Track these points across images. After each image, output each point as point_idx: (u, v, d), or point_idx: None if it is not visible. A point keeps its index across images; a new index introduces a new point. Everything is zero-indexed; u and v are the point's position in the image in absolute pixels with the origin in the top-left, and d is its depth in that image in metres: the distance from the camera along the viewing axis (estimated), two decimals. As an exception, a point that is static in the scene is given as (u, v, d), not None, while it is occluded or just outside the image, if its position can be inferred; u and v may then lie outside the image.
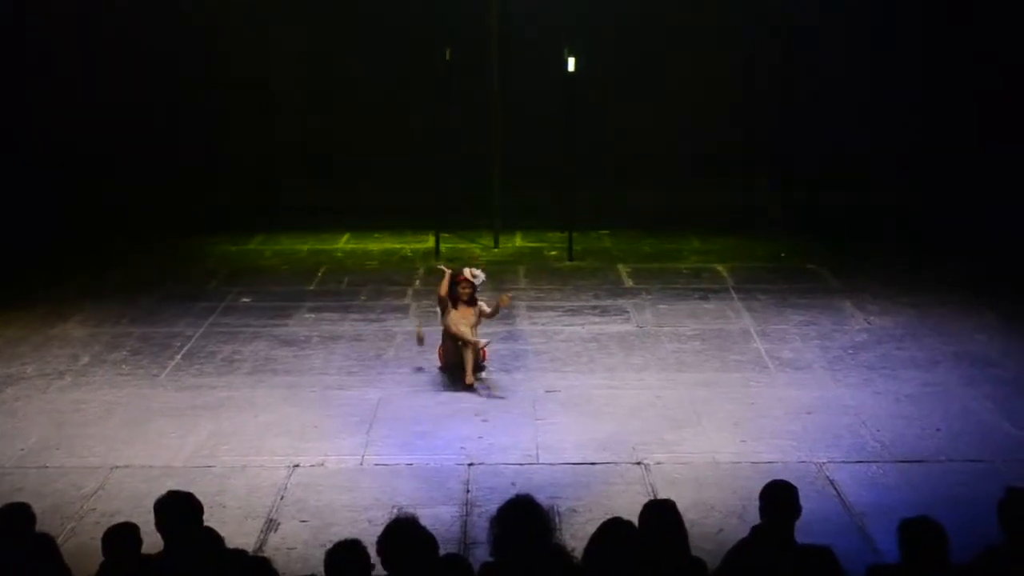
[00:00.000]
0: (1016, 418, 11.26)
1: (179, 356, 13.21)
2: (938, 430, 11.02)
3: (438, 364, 12.62)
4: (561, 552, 6.58)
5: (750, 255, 17.78)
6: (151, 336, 13.88)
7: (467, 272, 12.62)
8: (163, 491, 7.16)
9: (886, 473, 10.14)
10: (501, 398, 11.93)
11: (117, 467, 10.25)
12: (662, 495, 9.20)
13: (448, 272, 12.62)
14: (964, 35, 19.68)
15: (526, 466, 10.31)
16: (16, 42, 19.42)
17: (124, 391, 12.14)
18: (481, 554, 7.46)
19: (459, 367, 12.24)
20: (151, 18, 19.74)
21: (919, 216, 19.18)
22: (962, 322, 14.26)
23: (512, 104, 18.74)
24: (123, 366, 12.91)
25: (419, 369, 12.71)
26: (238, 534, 8.81)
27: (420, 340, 12.84)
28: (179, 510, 6.93)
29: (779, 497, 6.97)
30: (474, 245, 18.30)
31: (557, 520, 8.97)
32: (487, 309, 12.69)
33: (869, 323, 14.30)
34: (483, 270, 12.85)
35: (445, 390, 12.16)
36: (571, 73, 17.45)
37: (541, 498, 6.69)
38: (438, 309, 12.75)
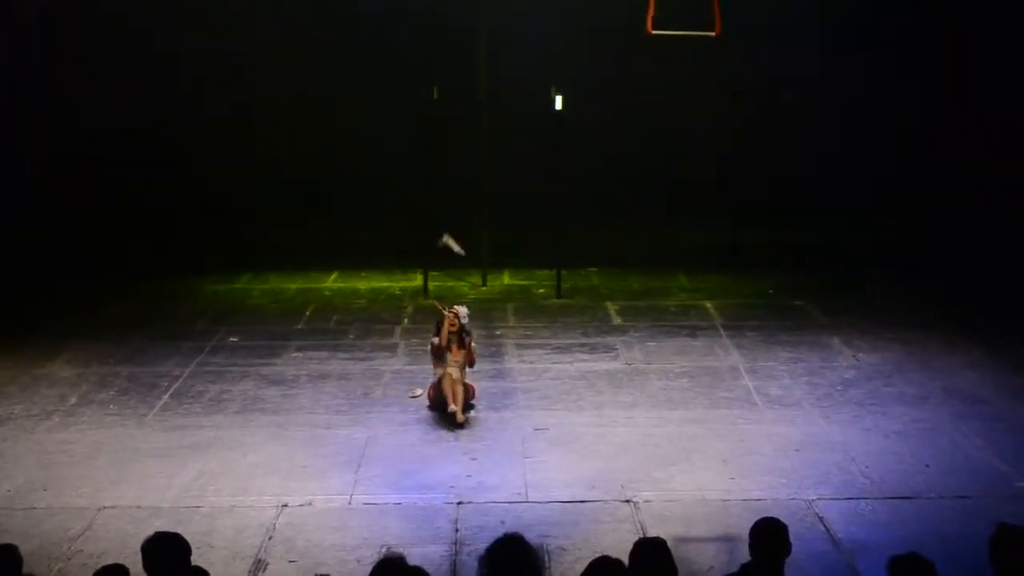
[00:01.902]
0: (1005, 454, 11.28)
1: (167, 396, 13.17)
2: (927, 466, 11.03)
3: (427, 403, 12.60)
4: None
5: (738, 292, 17.80)
6: (139, 376, 13.84)
7: (454, 310, 12.70)
8: (151, 532, 7.14)
9: (875, 510, 10.14)
10: (490, 436, 11.91)
11: (104, 508, 10.20)
12: (651, 533, 9.20)
13: (442, 309, 12.65)
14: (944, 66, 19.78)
15: (515, 504, 10.30)
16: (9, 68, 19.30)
17: (111, 431, 12.10)
18: (470, 593, 7.44)
19: (446, 406, 12.23)
20: (144, 57, 19.72)
21: (904, 251, 19.20)
22: (950, 358, 14.29)
23: (500, 142, 18.77)
24: (111, 406, 12.87)
25: (407, 408, 12.71)
26: (226, 575, 8.77)
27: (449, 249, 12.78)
28: (167, 551, 6.89)
29: (769, 535, 6.97)
30: (462, 283, 18.30)
31: (547, 559, 8.95)
32: (475, 347, 12.78)
33: (857, 359, 14.31)
34: (464, 306, 12.95)
35: (434, 428, 12.13)
36: (559, 111, 17.48)
37: (530, 536, 6.68)
38: (431, 359, 12.74)
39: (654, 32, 12.06)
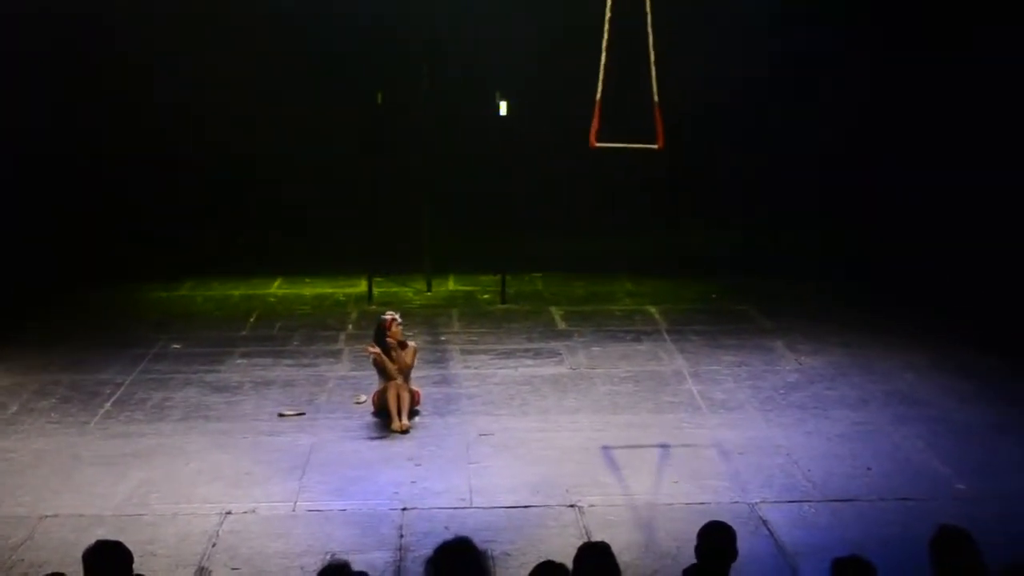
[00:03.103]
0: (945, 457, 11.38)
1: (109, 403, 13.08)
2: (869, 469, 11.12)
3: (371, 409, 12.58)
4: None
5: (682, 297, 17.88)
6: (81, 384, 13.73)
7: (388, 316, 12.71)
8: (92, 540, 7.07)
9: (818, 513, 10.20)
10: (434, 442, 11.90)
11: (46, 516, 10.12)
12: (596, 537, 9.19)
13: (375, 351, 12.63)
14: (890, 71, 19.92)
15: (459, 510, 10.30)
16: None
17: (53, 439, 12.00)
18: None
19: (391, 411, 12.22)
20: (80, 59, 19.49)
21: (847, 255, 19.30)
22: (891, 361, 14.40)
23: (445, 147, 18.76)
24: (52, 414, 12.77)
25: (351, 414, 12.69)
26: (169, 583, 8.73)
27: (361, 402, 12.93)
28: (108, 559, 6.83)
29: (717, 539, 7.00)
30: (407, 289, 18.29)
31: (492, 564, 8.95)
32: (413, 346, 12.82)
33: (800, 363, 14.40)
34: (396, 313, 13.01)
35: (378, 435, 12.11)
36: (504, 116, 17.50)
37: (475, 542, 6.67)
38: (378, 375, 12.71)
39: (597, 144, 12.18)
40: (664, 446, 11.73)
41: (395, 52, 19.32)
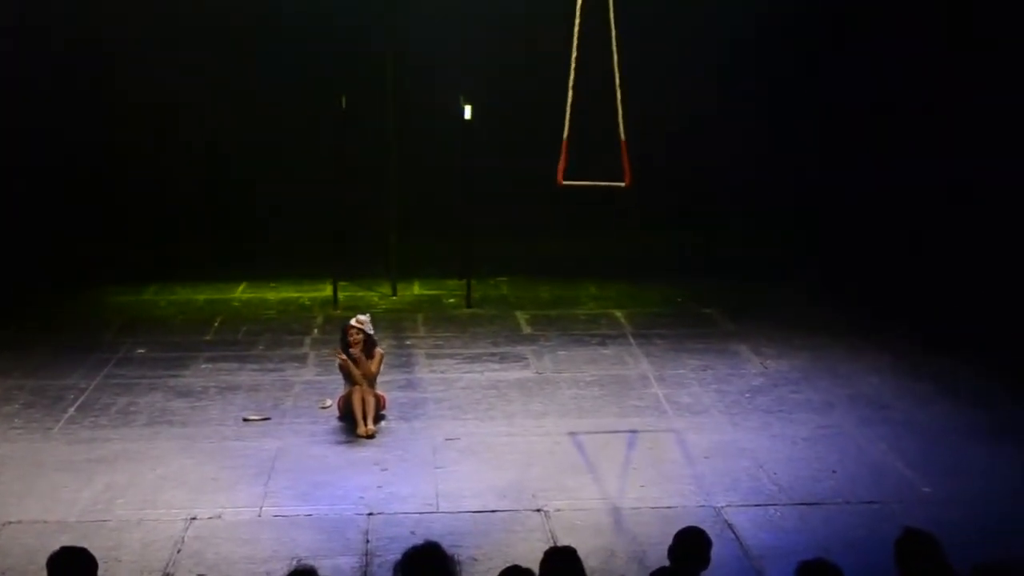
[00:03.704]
0: (910, 459, 11.44)
1: (73, 408, 13.00)
2: (834, 472, 11.17)
3: (337, 414, 12.55)
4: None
5: (647, 300, 17.89)
6: (44, 388, 13.65)
7: (354, 321, 12.69)
8: (56, 546, 7.02)
9: (784, 516, 10.24)
10: (400, 447, 11.89)
11: (10, 523, 10.06)
12: (562, 542, 9.20)
13: (342, 358, 12.61)
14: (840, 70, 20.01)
15: (426, 515, 10.29)
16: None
17: (17, 445, 11.93)
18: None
19: (356, 416, 12.20)
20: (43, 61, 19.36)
21: (811, 257, 19.35)
22: (856, 364, 14.47)
23: (409, 151, 18.72)
24: (15, 419, 12.69)
25: (317, 419, 12.67)
26: (134, 589, 8.69)
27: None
28: (73, 566, 6.80)
29: (693, 544, 7.05)
30: (372, 293, 18.25)
31: (459, 568, 8.93)
32: (380, 351, 12.80)
33: (765, 367, 14.45)
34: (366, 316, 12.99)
35: (344, 439, 12.09)
36: (468, 120, 17.49)
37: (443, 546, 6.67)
38: (344, 379, 12.69)
39: (564, 183, 12.27)
40: (630, 450, 11.76)
41: (359, 56, 19.25)
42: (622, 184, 12.34)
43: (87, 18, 19.38)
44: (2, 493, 10.68)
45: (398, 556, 6.47)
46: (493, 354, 15.12)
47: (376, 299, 17.94)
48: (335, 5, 19.13)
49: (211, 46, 19.63)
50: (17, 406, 13.10)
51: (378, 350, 12.82)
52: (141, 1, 19.59)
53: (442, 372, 14.34)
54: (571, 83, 12.05)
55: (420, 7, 19.14)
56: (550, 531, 9.91)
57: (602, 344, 15.50)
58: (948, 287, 17.04)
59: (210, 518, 10.17)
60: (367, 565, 9.33)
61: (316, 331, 16.23)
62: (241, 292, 18.55)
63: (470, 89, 17.78)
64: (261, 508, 10.41)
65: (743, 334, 15.85)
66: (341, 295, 17.79)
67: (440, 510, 10.38)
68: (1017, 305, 16.11)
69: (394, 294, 18.21)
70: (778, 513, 10.29)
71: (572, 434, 12.19)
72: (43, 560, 6.91)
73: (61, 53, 19.45)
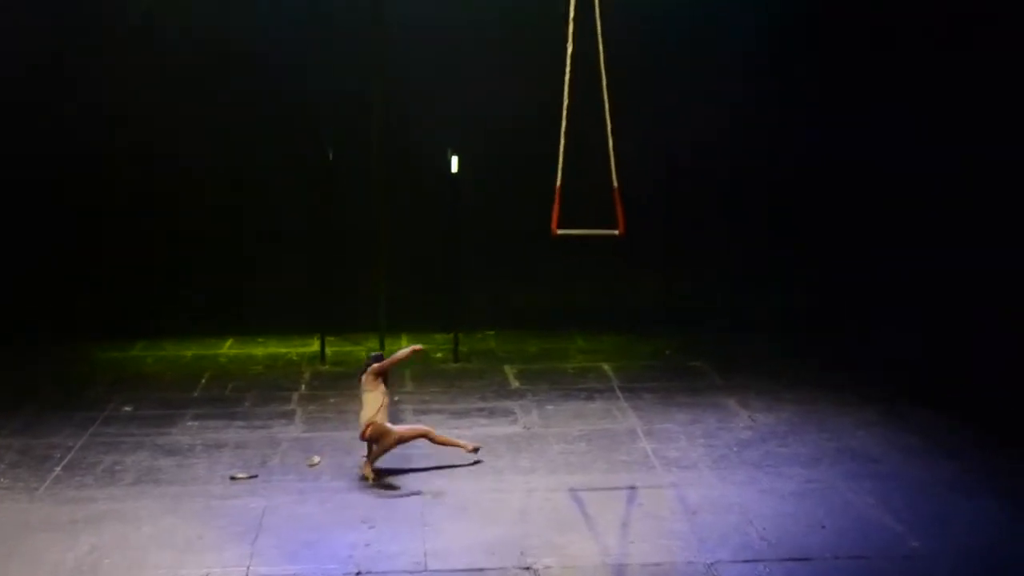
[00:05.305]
0: (898, 513, 11.43)
1: (59, 468, 12.96)
2: (823, 527, 11.16)
3: (322, 470, 12.54)
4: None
5: (635, 353, 17.92)
6: (30, 447, 13.60)
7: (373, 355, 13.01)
8: (42, 612, 7.02)
9: (773, 572, 10.22)
10: (388, 503, 11.86)
11: (-6, 585, 10.02)
12: (551, 600, 9.19)
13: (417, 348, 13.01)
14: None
15: (415, 573, 10.26)
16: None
17: (2, 506, 11.87)
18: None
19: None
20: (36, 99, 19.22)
21: (798, 309, 19.38)
22: (842, 418, 14.48)
23: (397, 204, 18.75)
24: (1, 480, 12.63)
25: (305, 476, 12.65)
26: (120, 652, 8.65)
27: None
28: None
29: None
30: (360, 348, 18.23)
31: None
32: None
33: (753, 420, 14.46)
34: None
35: (332, 497, 12.05)
36: (455, 173, 17.55)
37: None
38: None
39: (559, 232, 12.36)
40: (619, 506, 11.74)
41: (346, 107, 19.23)
42: (616, 232, 12.39)
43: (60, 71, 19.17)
44: (-13, 555, 10.64)
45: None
46: (481, 409, 15.12)
47: (364, 354, 17.84)
48: (334, 60, 19.11)
49: (203, 88, 19.45)
50: (2, 466, 13.04)
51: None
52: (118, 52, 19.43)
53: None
54: (563, 130, 12.10)
55: (408, 61, 19.13)
56: (539, 589, 9.90)
57: (590, 398, 15.50)
58: (934, 340, 17.08)
59: (197, 578, 10.15)
60: (355, 625, 9.31)
61: (304, 387, 16.21)
62: (228, 348, 18.53)
63: (457, 141, 17.83)
64: (248, 568, 10.37)
65: (731, 387, 15.88)
66: (329, 350, 17.79)
67: (428, 568, 10.35)
68: (1004, 360, 16.18)
69: (382, 348, 18.17)
70: (767, 569, 10.27)
71: (560, 490, 12.18)
72: (29, 625, 6.90)
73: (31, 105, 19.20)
